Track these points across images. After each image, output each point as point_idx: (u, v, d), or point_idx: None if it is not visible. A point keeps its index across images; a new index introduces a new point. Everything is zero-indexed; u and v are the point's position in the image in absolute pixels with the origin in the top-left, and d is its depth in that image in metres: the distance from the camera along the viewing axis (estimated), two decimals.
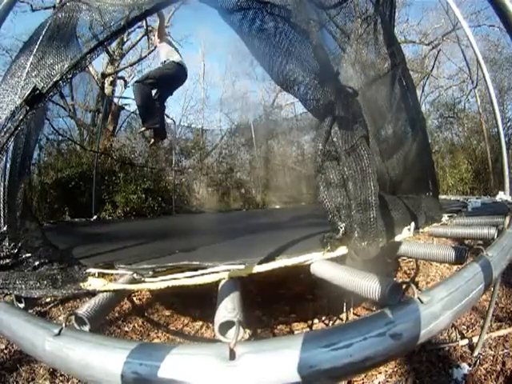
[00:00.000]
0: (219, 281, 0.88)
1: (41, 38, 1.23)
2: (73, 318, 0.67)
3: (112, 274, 1.11)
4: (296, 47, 1.01)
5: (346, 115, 0.98)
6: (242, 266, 0.96)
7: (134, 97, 3.16)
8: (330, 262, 0.97)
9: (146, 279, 0.96)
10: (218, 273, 0.92)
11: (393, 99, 1.65)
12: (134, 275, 0.98)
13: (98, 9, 1.25)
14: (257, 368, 0.47)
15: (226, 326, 0.59)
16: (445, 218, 1.58)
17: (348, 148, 0.97)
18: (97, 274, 1.04)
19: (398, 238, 1.18)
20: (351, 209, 0.94)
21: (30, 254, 1.03)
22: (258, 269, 0.93)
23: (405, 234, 1.22)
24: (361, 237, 0.92)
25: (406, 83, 1.70)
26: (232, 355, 0.48)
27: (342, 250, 1.00)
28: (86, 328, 0.66)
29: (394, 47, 1.66)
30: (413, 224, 1.24)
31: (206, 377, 0.47)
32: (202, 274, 0.92)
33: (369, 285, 0.71)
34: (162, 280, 0.91)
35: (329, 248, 0.99)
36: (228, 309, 0.64)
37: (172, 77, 3.24)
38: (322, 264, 0.97)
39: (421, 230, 1.37)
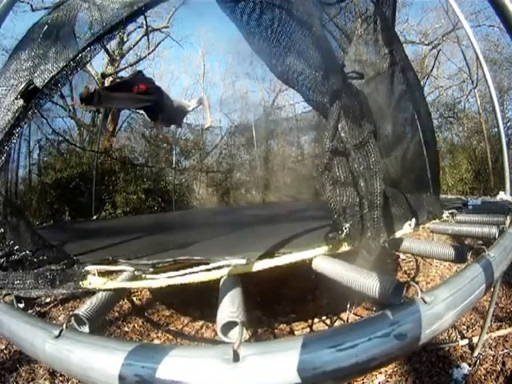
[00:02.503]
0: (220, 278, 0.86)
1: (38, 35, 1.22)
2: (73, 318, 0.67)
3: (112, 272, 1.10)
4: (298, 39, 0.98)
5: (354, 107, 0.94)
6: (244, 261, 0.92)
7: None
8: (333, 258, 0.95)
9: (147, 276, 0.95)
10: (220, 268, 0.90)
11: (394, 96, 1.64)
12: (135, 272, 0.97)
13: (97, 6, 1.24)
14: (261, 370, 0.47)
15: (227, 326, 0.58)
16: (445, 214, 1.57)
17: (357, 143, 0.93)
18: (96, 272, 1.02)
19: (398, 234, 1.17)
20: (357, 208, 0.93)
21: (25, 254, 1.01)
22: (260, 265, 0.91)
23: (406, 230, 1.21)
24: (365, 235, 0.91)
25: (408, 80, 1.68)
26: (236, 357, 0.48)
27: (345, 247, 0.98)
28: (86, 328, 0.66)
29: (395, 45, 1.65)
30: (414, 220, 1.24)
31: (209, 379, 0.46)
32: (205, 270, 0.90)
33: (371, 283, 0.71)
34: (163, 277, 0.89)
35: (331, 247, 0.98)
36: (230, 309, 0.63)
37: None
38: (324, 260, 0.95)
39: (421, 226, 1.36)
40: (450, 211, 1.64)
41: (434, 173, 1.77)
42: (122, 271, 1.00)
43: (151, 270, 0.97)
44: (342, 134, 0.93)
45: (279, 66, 1.00)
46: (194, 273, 0.88)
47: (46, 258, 1.05)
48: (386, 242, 0.98)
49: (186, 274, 0.88)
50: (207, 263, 0.93)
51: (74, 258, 1.16)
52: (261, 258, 0.96)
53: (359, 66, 1.61)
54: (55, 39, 1.22)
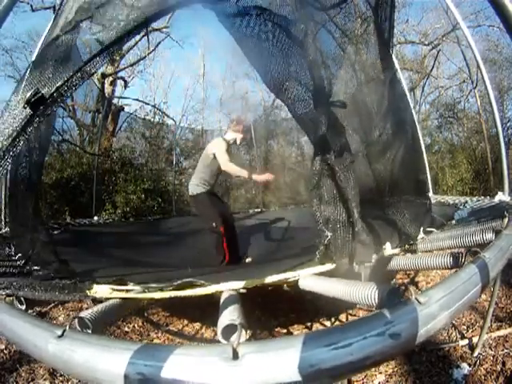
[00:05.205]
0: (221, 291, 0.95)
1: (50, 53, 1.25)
2: (76, 320, 0.68)
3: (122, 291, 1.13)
4: (290, 58, 1.04)
5: (336, 136, 1.03)
6: (241, 283, 1.03)
7: None
8: (318, 276, 1.01)
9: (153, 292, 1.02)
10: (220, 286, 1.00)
11: (379, 105, 1.64)
12: (144, 291, 1.03)
13: (104, 26, 1.26)
14: (260, 367, 0.48)
15: (227, 330, 0.61)
16: (421, 235, 1.49)
17: (342, 168, 1.02)
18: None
19: (386, 253, 1.21)
20: (338, 222, 1.00)
21: (38, 267, 1.06)
22: (254, 283, 1.04)
23: (388, 251, 1.23)
24: (342, 250, 0.98)
25: (393, 88, 1.69)
26: (235, 355, 0.49)
27: (329, 266, 1.04)
28: (89, 331, 0.67)
29: (386, 50, 1.66)
30: (389, 244, 1.25)
31: (209, 376, 0.48)
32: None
33: (366, 293, 0.74)
34: (166, 291, 0.99)
35: (318, 257, 1.04)
36: (230, 314, 0.67)
37: None
38: (310, 279, 1.02)
39: (406, 246, 1.35)
40: (429, 229, 1.56)
41: (420, 183, 1.77)
42: (130, 290, 1.05)
43: (158, 292, 1.04)
44: (332, 158, 1.03)
45: (269, 79, 1.06)
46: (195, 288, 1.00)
47: (57, 274, 1.09)
48: (374, 260, 1.04)
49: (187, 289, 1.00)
50: (208, 286, 1.02)
51: (84, 274, 1.20)
52: (256, 277, 1.08)
53: (352, 69, 1.61)
54: (62, 57, 1.25)
